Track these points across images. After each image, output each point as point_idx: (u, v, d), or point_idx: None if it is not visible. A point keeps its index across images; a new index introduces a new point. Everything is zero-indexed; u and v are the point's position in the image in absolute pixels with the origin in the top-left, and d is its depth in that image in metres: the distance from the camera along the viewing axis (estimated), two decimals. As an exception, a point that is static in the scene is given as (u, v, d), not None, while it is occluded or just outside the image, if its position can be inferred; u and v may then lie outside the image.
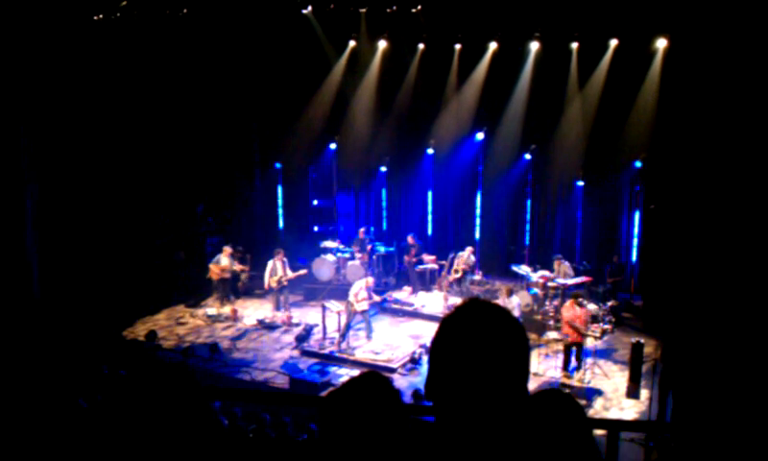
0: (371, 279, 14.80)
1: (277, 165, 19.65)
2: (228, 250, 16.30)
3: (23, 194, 14.39)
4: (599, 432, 4.56)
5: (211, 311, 16.16)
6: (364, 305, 14.22)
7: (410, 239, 17.82)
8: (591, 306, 14.70)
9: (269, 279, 15.77)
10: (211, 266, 16.21)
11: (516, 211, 18.52)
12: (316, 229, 19.74)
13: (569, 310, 12.91)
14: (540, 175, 17.88)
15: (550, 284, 15.40)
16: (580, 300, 13.16)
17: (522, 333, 1.85)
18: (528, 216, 18.10)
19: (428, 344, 1.83)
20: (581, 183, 17.32)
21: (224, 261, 16.17)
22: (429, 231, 19.34)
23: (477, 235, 18.68)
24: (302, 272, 16.23)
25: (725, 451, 5.57)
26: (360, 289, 14.23)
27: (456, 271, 16.80)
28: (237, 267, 16.58)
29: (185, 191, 18.12)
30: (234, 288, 16.90)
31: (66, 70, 14.91)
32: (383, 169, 19.49)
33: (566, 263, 15.84)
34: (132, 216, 16.74)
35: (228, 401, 10.20)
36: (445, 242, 18.67)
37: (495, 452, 1.78)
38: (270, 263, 15.80)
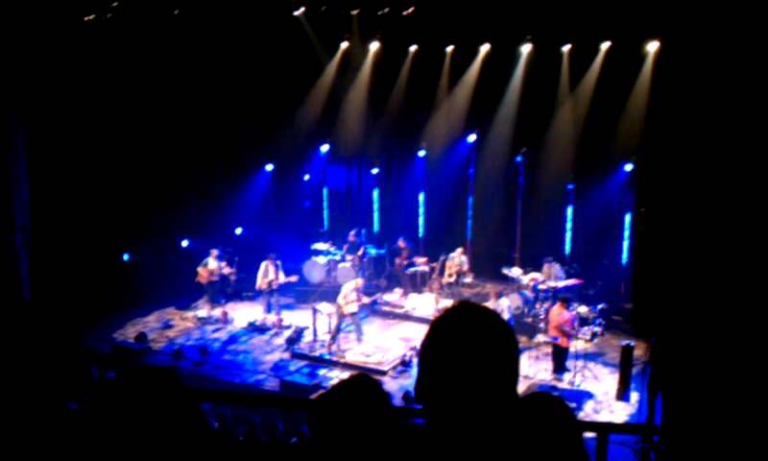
0: (360, 281, 14.78)
1: (269, 167, 19.62)
2: (215, 253, 16.26)
3: (12, 193, 14.32)
4: (589, 435, 4.57)
5: (201, 313, 16.12)
6: (353, 307, 14.20)
7: (401, 243, 17.81)
8: (581, 309, 14.75)
9: (261, 281, 15.75)
10: (199, 269, 16.15)
11: (507, 214, 18.52)
12: (307, 230, 19.72)
13: (558, 313, 12.95)
14: (531, 177, 17.88)
15: (540, 287, 15.43)
16: (568, 303, 13.19)
17: (511, 336, 1.85)
18: (519, 219, 18.11)
19: (419, 346, 1.83)
20: (572, 186, 17.36)
21: (211, 264, 16.12)
22: (421, 234, 19.33)
23: (469, 237, 18.69)
24: (293, 278, 16.16)
25: (714, 454, 5.59)
26: (349, 291, 14.21)
27: (450, 275, 16.77)
28: (226, 270, 16.54)
29: (176, 192, 18.06)
30: (224, 290, 16.86)
31: (58, 71, 14.84)
32: (375, 171, 19.49)
33: (556, 265, 15.86)
34: (122, 217, 16.66)
35: (218, 404, 10.19)
36: (437, 244, 18.66)
37: (485, 455, 1.78)
38: (263, 265, 15.79)
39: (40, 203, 14.82)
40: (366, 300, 15.04)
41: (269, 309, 15.83)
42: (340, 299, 14.11)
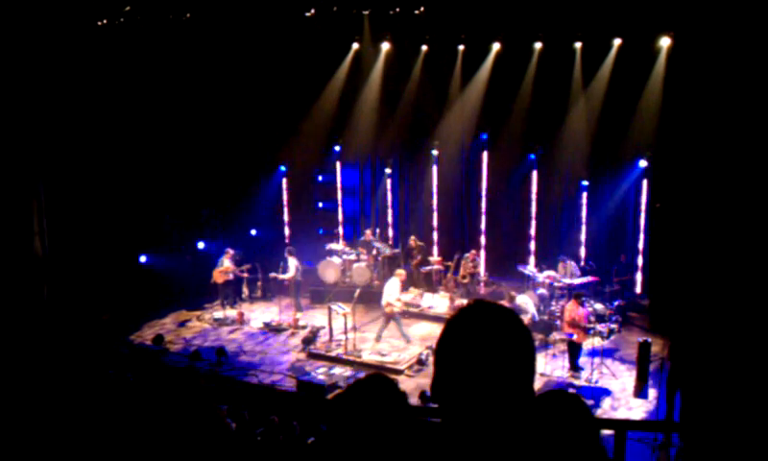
0: (402, 271, 14.84)
1: (282, 168, 19.67)
2: (230, 252, 16.44)
3: (31, 198, 14.46)
4: (606, 432, 4.57)
5: (218, 315, 16.21)
6: (399, 305, 14.26)
7: (412, 242, 17.81)
8: (598, 306, 14.69)
9: (295, 274, 16.04)
10: (215, 272, 16.33)
11: (521, 212, 18.48)
12: (321, 231, 19.76)
13: (571, 310, 12.91)
14: (545, 175, 17.84)
15: (556, 284, 15.39)
16: (582, 299, 13.14)
17: (527, 333, 1.84)
18: (533, 216, 18.06)
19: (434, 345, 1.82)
20: (586, 183, 17.28)
21: (226, 263, 16.35)
22: (434, 232, 19.31)
23: (483, 236, 18.65)
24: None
25: (734, 450, 5.55)
26: (394, 289, 14.22)
27: (464, 277, 16.75)
28: (236, 266, 16.70)
29: (191, 195, 18.16)
30: (240, 291, 16.95)
31: (72, 76, 14.96)
32: (388, 170, 19.49)
33: (572, 263, 15.81)
34: (139, 220, 16.78)
35: (236, 404, 10.24)
36: (451, 243, 18.64)
37: (502, 454, 1.78)
38: (294, 262, 16.05)
39: (58, 206, 14.95)
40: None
41: (298, 306, 16.11)
42: (391, 298, 14.13)
